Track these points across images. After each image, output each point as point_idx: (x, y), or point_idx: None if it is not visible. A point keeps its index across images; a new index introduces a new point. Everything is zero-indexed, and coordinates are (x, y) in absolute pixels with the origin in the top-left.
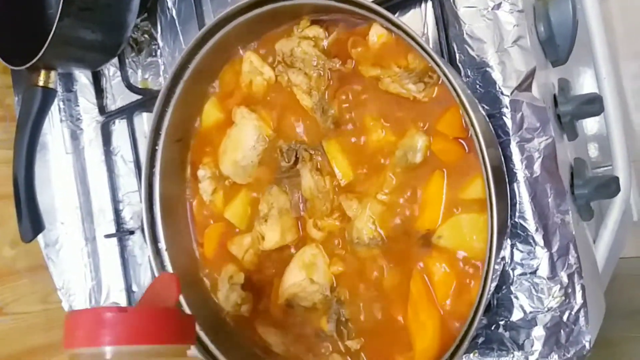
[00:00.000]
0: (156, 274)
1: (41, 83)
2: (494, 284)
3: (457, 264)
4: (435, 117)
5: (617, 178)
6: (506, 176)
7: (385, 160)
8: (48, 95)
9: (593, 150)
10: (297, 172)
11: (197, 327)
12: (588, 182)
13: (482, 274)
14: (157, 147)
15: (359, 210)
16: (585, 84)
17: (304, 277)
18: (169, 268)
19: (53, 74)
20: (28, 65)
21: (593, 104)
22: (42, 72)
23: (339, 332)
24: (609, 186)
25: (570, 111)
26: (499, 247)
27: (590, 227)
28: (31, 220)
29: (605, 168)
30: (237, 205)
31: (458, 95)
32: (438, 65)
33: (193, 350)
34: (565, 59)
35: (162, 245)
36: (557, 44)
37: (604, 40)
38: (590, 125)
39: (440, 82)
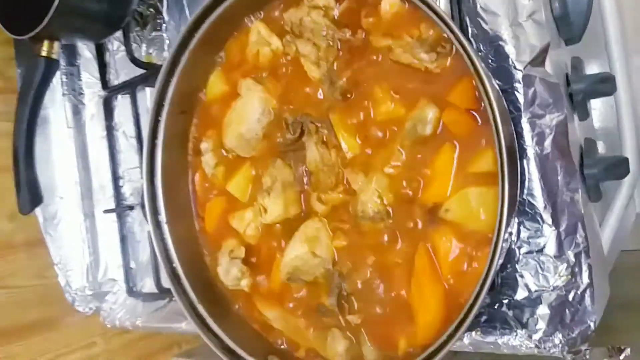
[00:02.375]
0: (156, 248)
1: (44, 53)
2: (501, 260)
3: (464, 239)
4: (447, 89)
5: (627, 159)
6: (517, 147)
7: (393, 133)
8: (51, 65)
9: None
10: (302, 145)
11: (197, 302)
12: (598, 162)
13: (490, 248)
14: (160, 119)
15: (365, 184)
16: (596, 68)
17: (306, 251)
18: (169, 241)
19: (56, 44)
20: (31, 34)
21: (606, 83)
22: (46, 43)
23: (339, 306)
24: (619, 167)
25: (582, 89)
26: (509, 222)
27: (597, 211)
28: (30, 192)
29: None
30: (240, 179)
31: (473, 63)
32: (453, 32)
33: (192, 325)
34: (579, 37)
35: (163, 218)
36: (571, 22)
37: (617, 21)
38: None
39: (453, 53)
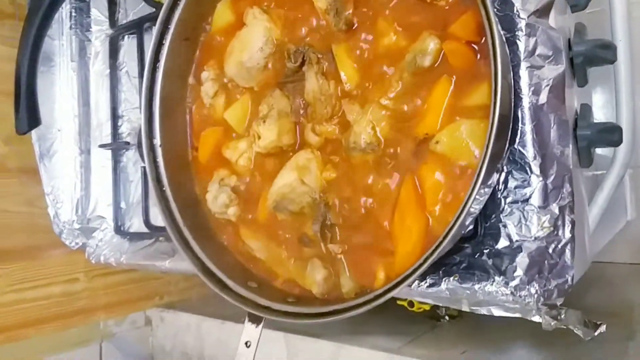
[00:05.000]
0: (147, 168)
1: None
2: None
3: (451, 171)
4: (450, 22)
5: (621, 128)
6: (512, 91)
7: (393, 65)
8: None
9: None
10: (302, 77)
11: (182, 225)
12: (592, 126)
13: (474, 174)
14: (164, 42)
15: (360, 115)
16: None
17: (295, 178)
18: (161, 165)
19: None
20: None
21: (607, 50)
22: None
23: (322, 234)
24: (612, 133)
25: (583, 52)
26: (497, 155)
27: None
28: (28, 112)
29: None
30: (237, 108)
31: None
32: None
33: (175, 263)
34: (584, 4)
35: (157, 141)
36: None
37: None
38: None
39: None
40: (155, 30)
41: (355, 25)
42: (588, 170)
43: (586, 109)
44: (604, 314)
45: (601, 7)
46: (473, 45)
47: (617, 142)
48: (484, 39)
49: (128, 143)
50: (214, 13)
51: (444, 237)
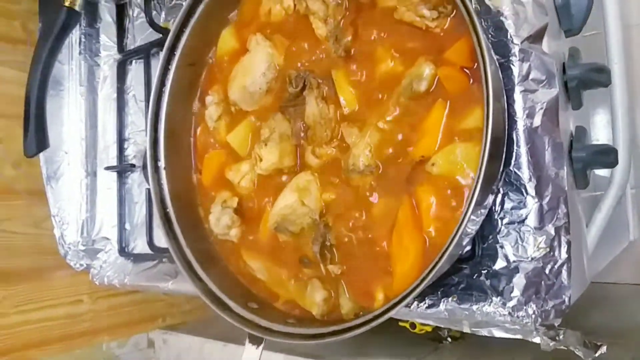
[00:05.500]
0: (152, 190)
1: (67, 3)
2: (476, 227)
3: (447, 193)
4: (445, 49)
5: (616, 150)
6: (507, 116)
7: (390, 90)
8: (72, 16)
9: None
10: (303, 101)
11: (185, 246)
12: (587, 148)
13: (470, 192)
14: (169, 68)
15: (358, 138)
16: None
17: (296, 199)
18: (165, 187)
19: None
20: None
21: (601, 73)
22: None
23: (322, 255)
24: (608, 154)
25: (577, 75)
26: (492, 175)
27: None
28: (37, 135)
29: None
30: (240, 131)
31: (470, 17)
32: None
33: (179, 284)
34: (578, 29)
35: (162, 164)
36: (572, 13)
37: (618, 14)
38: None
39: (453, 15)
40: (161, 56)
41: (354, 51)
42: (586, 191)
43: (581, 131)
44: (607, 335)
45: (596, 31)
46: (466, 70)
47: (612, 164)
48: (476, 64)
49: (134, 165)
50: (219, 39)
51: (440, 257)
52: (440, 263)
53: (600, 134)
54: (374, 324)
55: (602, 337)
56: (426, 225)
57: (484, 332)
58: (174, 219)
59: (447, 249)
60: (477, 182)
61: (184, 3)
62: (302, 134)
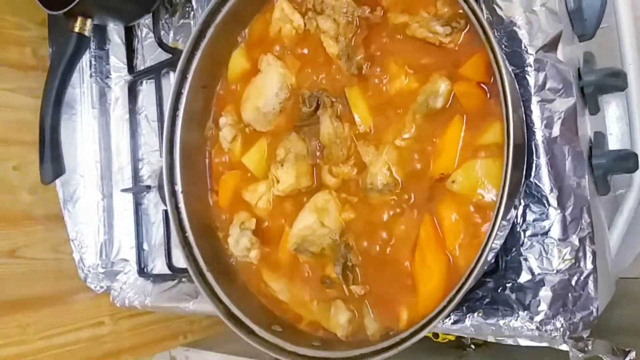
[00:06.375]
0: (170, 216)
1: (77, 29)
2: (500, 241)
3: (469, 210)
4: (459, 64)
5: (636, 154)
6: (525, 128)
7: (406, 107)
8: (82, 42)
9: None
10: (317, 120)
11: (205, 270)
12: (606, 154)
13: (493, 211)
14: (182, 91)
15: (375, 156)
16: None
17: (315, 220)
18: (183, 211)
19: (89, 22)
20: (66, 10)
21: (617, 77)
22: (79, 19)
23: (344, 276)
24: (628, 160)
25: (593, 81)
26: (514, 189)
27: (607, 215)
28: (52, 162)
29: None
30: (255, 152)
31: (485, 33)
32: (467, 2)
33: (200, 305)
34: (592, 33)
35: (179, 187)
36: (584, 17)
37: (631, 17)
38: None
39: (466, 29)
40: (173, 81)
41: (367, 68)
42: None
43: (600, 137)
44: (632, 333)
45: (607, 24)
46: (483, 85)
47: (633, 169)
48: (493, 79)
49: (149, 187)
50: (230, 61)
51: (467, 277)
52: (467, 284)
53: (612, 127)
54: (401, 347)
55: (627, 335)
56: (449, 244)
57: (509, 340)
58: (194, 243)
59: (473, 268)
60: (502, 198)
61: (191, 22)
62: (318, 153)
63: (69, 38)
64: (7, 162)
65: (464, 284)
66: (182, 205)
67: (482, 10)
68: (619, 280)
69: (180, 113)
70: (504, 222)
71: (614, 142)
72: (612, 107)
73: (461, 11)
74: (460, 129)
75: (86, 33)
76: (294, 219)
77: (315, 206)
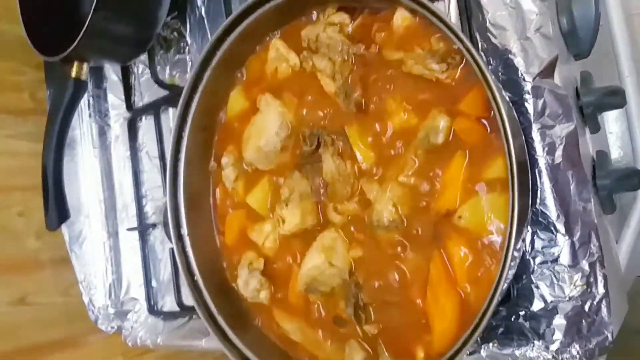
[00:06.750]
0: (178, 261)
1: (74, 74)
2: (512, 272)
3: (478, 246)
4: (458, 99)
5: (639, 171)
6: (527, 157)
7: (407, 143)
8: (79, 86)
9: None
10: (319, 157)
11: (217, 314)
12: (610, 174)
13: (502, 253)
14: (183, 134)
15: (380, 193)
16: (606, 82)
17: (323, 260)
18: (190, 254)
19: (85, 66)
20: (62, 56)
21: (615, 96)
22: (75, 64)
23: (356, 316)
24: (631, 178)
25: (592, 102)
26: (521, 223)
27: (613, 228)
28: (57, 208)
29: None
30: (259, 191)
31: (481, 71)
32: (461, 40)
33: (212, 343)
34: (587, 52)
35: (185, 231)
36: (579, 37)
37: (626, 34)
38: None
39: (463, 65)
40: (173, 123)
41: (366, 105)
42: None
43: (602, 155)
44: None
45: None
46: (483, 120)
47: (637, 186)
48: (492, 113)
49: (155, 225)
50: (228, 101)
51: (483, 315)
52: (482, 323)
53: (612, 126)
54: None
55: None
56: (460, 281)
57: None
58: (203, 287)
59: (488, 305)
60: (511, 233)
61: (187, 57)
62: (322, 190)
63: (67, 84)
64: (11, 209)
65: (480, 321)
66: (189, 249)
67: (477, 46)
68: (637, 278)
69: (182, 156)
70: (515, 253)
71: (616, 153)
72: (611, 121)
73: (456, 47)
74: (462, 164)
75: (83, 77)
76: (302, 258)
77: (322, 246)
